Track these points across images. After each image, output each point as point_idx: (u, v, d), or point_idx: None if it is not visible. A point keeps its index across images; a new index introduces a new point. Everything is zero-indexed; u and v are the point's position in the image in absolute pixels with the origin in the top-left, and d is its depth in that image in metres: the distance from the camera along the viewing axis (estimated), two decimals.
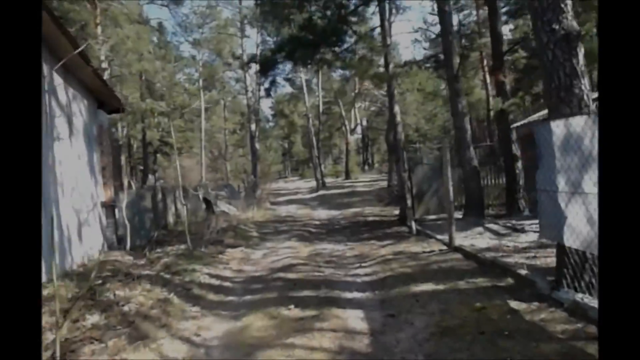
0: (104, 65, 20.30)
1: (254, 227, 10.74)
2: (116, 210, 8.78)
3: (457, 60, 8.78)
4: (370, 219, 10.95)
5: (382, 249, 7.03)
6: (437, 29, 27.12)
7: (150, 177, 46.65)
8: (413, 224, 8.13)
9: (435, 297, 4.17)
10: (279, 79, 28.90)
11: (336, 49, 9.81)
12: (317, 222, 11.23)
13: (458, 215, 9.75)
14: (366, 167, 44.74)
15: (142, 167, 28.86)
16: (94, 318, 4.07)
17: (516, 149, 8.92)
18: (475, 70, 24.92)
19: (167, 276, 5.59)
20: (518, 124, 10.64)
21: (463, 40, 18.69)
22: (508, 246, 6.11)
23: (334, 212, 13.44)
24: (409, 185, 9.36)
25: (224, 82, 38.08)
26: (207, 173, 41.98)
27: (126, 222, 8.47)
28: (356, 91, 34.00)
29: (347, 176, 34.41)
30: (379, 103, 41.96)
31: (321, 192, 22.81)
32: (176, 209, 12.26)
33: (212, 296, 5.07)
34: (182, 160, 47.72)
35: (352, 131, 35.33)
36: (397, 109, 11.04)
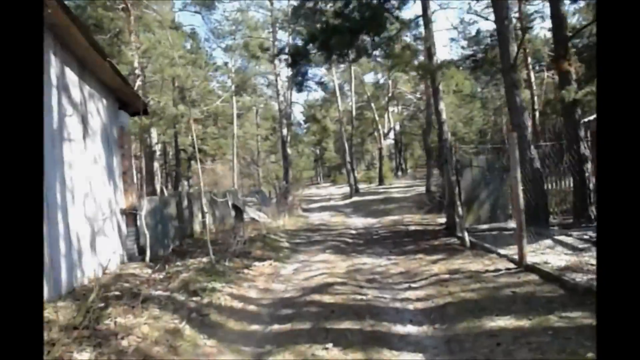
0: (137, 71, 20.19)
1: (284, 236, 9.85)
2: (138, 218, 8.11)
3: (514, 47, 7.61)
4: (412, 228, 9.83)
5: (433, 265, 5.94)
6: (474, 27, 25.64)
7: (185, 183, 47.08)
8: (466, 235, 6.98)
9: (523, 340, 3.08)
10: (311, 83, 28.21)
11: (376, 38, 8.81)
12: (354, 232, 10.20)
13: (513, 223, 8.53)
14: (399, 173, 43.24)
15: (175, 173, 28.70)
16: (82, 356, 3.24)
17: (585, 148, 7.63)
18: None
19: (182, 298, 4.73)
20: (588, 119, 9.27)
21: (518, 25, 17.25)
22: (593, 265, 4.90)
23: (371, 220, 12.38)
24: (457, 191, 8.22)
25: (256, 87, 37.84)
26: (240, 179, 41.82)
27: (146, 231, 7.76)
28: (389, 95, 32.83)
29: (381, 182, 33.17)
30: (413, 107, 40.58)
31: (355, 199, 21.74)
32: (203, 216, 11.56)
33: (232, 324, 4.17)
34: (216, 167, 48.05)
35: (386, 136, 34.12)
36: (442, 105, 9.90)
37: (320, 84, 27.81)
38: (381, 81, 42.89)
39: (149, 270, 7.04)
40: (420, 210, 13.00)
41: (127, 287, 5.48)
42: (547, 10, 17.52)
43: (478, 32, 22.02)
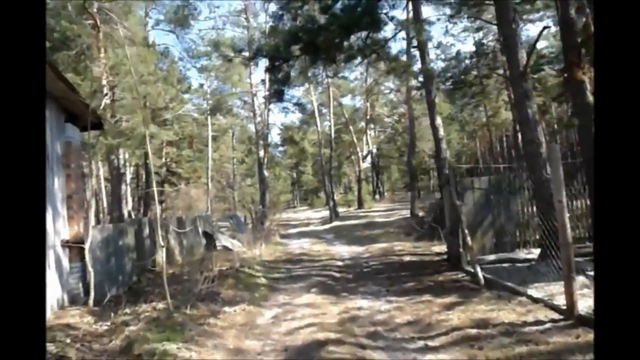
0: (105, 90, 18.69)
1: (261, 270, 8.45)
2: (87, 251, 6.61)
3: (523, 54, 6.68)
4: (407, 258, 8.60)
5: (449, 311, 4.68)
6: (454, 49, 25.33)
7: (158, 207, 44.76)
8: (479, 270, 5.79)
9: None
10: (289, 104, 27.26)
11: (369, 39, 7.76)
12: (340, 263, 8.88)
13: (523, 253, 7.44)
14: (377, 196, 42.33)
15: (143, 198, 26.80)
16: None
17: None
18: (499, 91, 22.96)
19: None
20: None
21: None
22: None
23: (357, 249, 11.09)
24: (459, 216, 7.10)
25: (232, 109, 36.62)
26: (215, 203, 39.99)
27: (90, 268, 6.27)
28: (368, 117, 32.19)
29: (360, 205, 32.10)
30: (390, 129, 40.13)
31: (336, 223, 20.48)
32: (159, 248, 10.02)
33: None
34: (190, 190, 45.98)
35: (364, 158, 33.28)
36: (439, 120, 8.89)
37: (299, 105, 26.87)
38: (358, 104, 42.53)
39: (92, 319, 5.55)
40: (410, 237, 11.83)
41: (49, 351, 4.03)
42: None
43: (458, 53, 21.64)
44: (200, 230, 12.01)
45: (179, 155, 48.66)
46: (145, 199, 24.42)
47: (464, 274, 6.48)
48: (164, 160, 46.95)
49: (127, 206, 22.08)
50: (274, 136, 45.09)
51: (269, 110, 23.64)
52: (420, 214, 16.25)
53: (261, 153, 20.08)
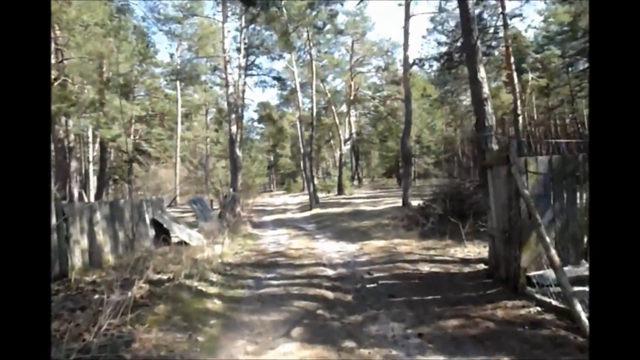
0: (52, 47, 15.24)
1: (217, 281, 5.73)
2: None
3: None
4: (426, 268, 6.02)
5: None
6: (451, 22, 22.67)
7: (126, 188, 40.95)
8: (581, 313, 3.27)
9: None
10: (267, 78, 24.16)
11: None
12: (331, 273, 6.21)
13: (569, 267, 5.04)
14: (354, 182, 39.90)
15: (102, 178, 23.34)
16: None
17: None
18: (498, 70, 20.60)
19: None
20: None
21: None
22: None
23: (349, 247, 8.45)
24: (531, 213, 4.58)
25: (206, 82, 33.16)
26: (187, 185, 36.70)
27: None
28: (351, 97, 29.43)
29: (340, 191, 29.60)
30: (374, 112, 37.54)
31: (316, 211, 17.83)
32: (92, 241, 7.16)
33: None
34: (159, 171, 42.32)
35: (346, 141, 30.62)
36: (483, 73, 6.27)
37: (278, 79, 23.82)
38: (340, 87, 39.73)
39: None
40: (411, 233, 9.29)
41: None
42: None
43: (457, 26, 19.08)
44: (147, 218, 9.15)
45: (148, 133, 44.82)
46: (100, 179, 21.00)
47: (539, 307, 3.97)
48: (132, 137, 43.08)
49: (77, 186, 18.76)
50: (251, 114, 41.79)
51: (245, 78, 20.55)
52: (416, 203, 13.79)
53: (233, 129, 17.09)
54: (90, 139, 33.95)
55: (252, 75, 24.01)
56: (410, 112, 14.46)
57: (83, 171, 30.97)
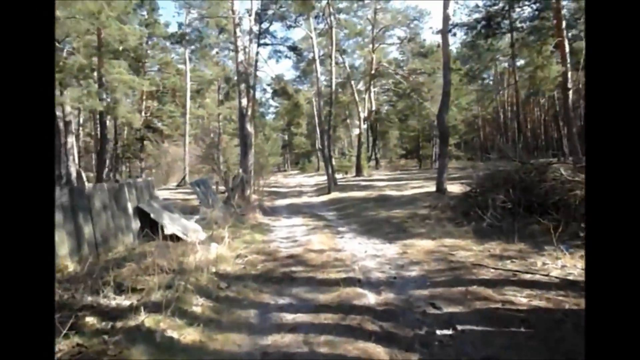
0: None
1: (201, 313, 3.70)
2: None
3: None
4: (521, 299, 3.86)
5: None
6: None
7: (137, 166, 39.42)
8: None
9: None
10: (283, 47, 21.73)
11: None
12: (373, 300, 4.08)
13: None
14: (370, 164, 37.45)
15: (98, 155, 21.48)
16: None
17: None
18: (544, 38, 17.79)
19: None
20: None
21: None
22: None
23: (388, 250, 6.30)
24: None
25: (217, 57, 30.89)
26: (198, 164, 34.92)
27: None
28: (373, 71, 26.78)
29: (359, 172, 27.41)
30: (394, 88, 34.82)
31: (336, 194, 15.73)
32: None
33: None
34: (171, 149, 40.61)
35: (366, 119, 28.17)
36: None
37: (294, 49, 21.38)
38: (357, 64, 36.97)
39: None
40: (462, 229, 7.12)
41: None
42: None
43: None
44: (130, 207, 7.20)
45: (159, 110, 43.00)
46: (100, 155, 19.09)
47: None
48: (143, 114, 41.32)
49: (74, 165, 16.98)
50: (265, 91, 39.44)
51: (258, 47, 18.27)
52: (452, 189, 11.57)
53: (244, 101, 14.94)
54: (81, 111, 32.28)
55: (265, 45, 21.68)
56: (448, 82, 12.05)
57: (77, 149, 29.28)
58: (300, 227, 8.90)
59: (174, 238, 7.04)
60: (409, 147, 39.58)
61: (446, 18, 11.91)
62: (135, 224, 7.30)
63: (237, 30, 15.33)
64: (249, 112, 15.21)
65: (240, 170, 14.33)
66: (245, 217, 10.19)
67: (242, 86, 15.05)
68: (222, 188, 15.83)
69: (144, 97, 39.28)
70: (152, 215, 7.29)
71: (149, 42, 38.40)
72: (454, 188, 11.66)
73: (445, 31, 12.17)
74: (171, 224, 7.39)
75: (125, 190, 7.20)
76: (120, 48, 18.30)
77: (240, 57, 15.21)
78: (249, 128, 15.17)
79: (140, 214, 7.44)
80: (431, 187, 14.20)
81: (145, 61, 39.64)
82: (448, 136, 12.64)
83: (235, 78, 20.54)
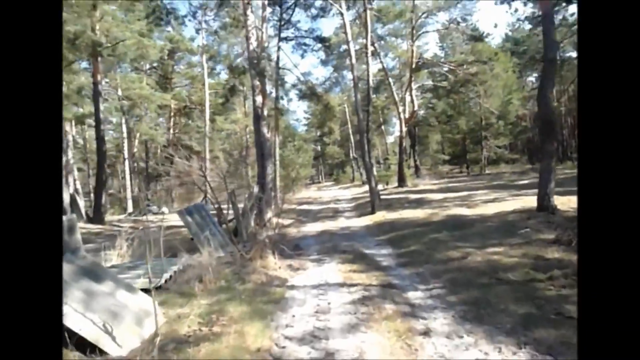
0: None
1: None
2: None
3: None
4: None
5: None
6: None
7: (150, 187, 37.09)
8: None
9: None
10: (309, 40, 18.03)
11: None
12: None
13: None
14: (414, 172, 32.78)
15: (96, 176, 18.21)
16: None
17: None
18: None
19: None
20: None
21: None
22: None
23: None
24: None
25: (242, 65, 27.81)
26: (227, 180, 31.80)
27: None
28: (414, 65, 22.55)
29: (402, 182, 23.07)
30: (434, 87, 30.39)
31: (383, 215, 11.58)
32: None
33: None
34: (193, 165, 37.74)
35: (407, 121, 23.87)
36: None
37: (322, 40, 17.62)
38: (392, 62, 32.96)
39: None
40: None
41: None
42: None
43: None
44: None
45: (186, 125, 40.66)
46: (98, 178, 15.77)
47: None
48: (171, 131, 39.08)
49: (67, 188, 13.88)
50: (292, 97, 35.98)
51: (279, 42, 14.62)
52: (571, 207, 7.24)
53: (258, 99, 11.25)
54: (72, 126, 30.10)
55: (287, 39, 18.08)
56: (554, 43, 7.78)
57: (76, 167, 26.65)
58: (337, 295, 4.84)
59: (95, 351, 3.31)
60: (454, 151, 34.69)
61: None
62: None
63: (248, 11, 11.69)
64: (265, 112, 11.48)
65: (256, 188, 10.57)
66: (251, 264, 6.35)
67: (256, 82, 11.36)
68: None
69: (172, 114, 37.10)
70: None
71: (174, 57, 36.30)
72: (561, 202, 7.33)
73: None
74: (82, 312, 3.63)
75: None
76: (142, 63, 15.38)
77: (253, 44, 11.57)
78: (266, 132, 11.44)
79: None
80: (516, 201, 9.88)
81: (171, 77, 37.52)
82: (554, 125, 8.29)
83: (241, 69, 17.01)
